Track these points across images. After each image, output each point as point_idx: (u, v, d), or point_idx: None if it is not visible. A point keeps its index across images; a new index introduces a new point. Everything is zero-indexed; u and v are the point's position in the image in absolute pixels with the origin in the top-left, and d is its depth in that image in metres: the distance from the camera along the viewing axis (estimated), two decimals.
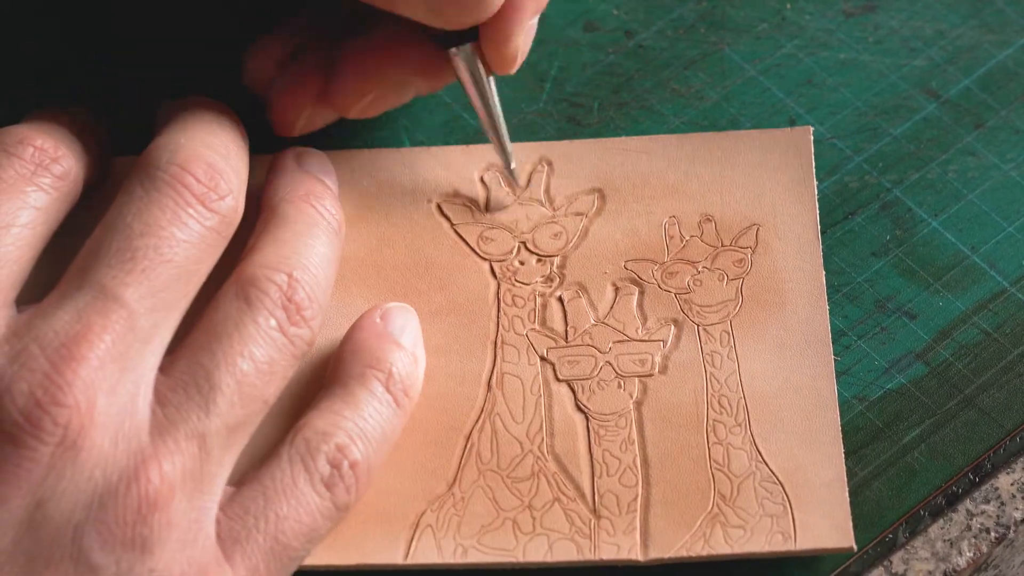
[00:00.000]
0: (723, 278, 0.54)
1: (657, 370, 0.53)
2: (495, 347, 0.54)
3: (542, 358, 0.54)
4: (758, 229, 0.55)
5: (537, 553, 0.50)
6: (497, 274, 0.55)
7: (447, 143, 0.58)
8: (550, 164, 0.57)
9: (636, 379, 0.53)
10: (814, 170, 0.56)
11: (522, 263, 0.55)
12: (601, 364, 0.53)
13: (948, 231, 0.57)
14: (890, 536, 0.52)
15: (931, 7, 0.62)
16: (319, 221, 0.52)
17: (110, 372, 0.47)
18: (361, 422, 0.50)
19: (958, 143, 0.59)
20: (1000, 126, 0.59)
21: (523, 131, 0.59)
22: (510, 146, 0.55)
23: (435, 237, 0.56)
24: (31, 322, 0.47)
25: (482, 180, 0.57)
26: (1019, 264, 0.56)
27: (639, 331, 0.54)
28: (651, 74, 0.60)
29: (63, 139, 0.52)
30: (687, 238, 0.55)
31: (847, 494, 0.50)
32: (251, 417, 0.49)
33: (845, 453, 0.52)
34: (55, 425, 0.46)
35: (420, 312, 0.54)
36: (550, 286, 0.55)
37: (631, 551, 0.50)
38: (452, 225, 0.56)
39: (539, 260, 0.55)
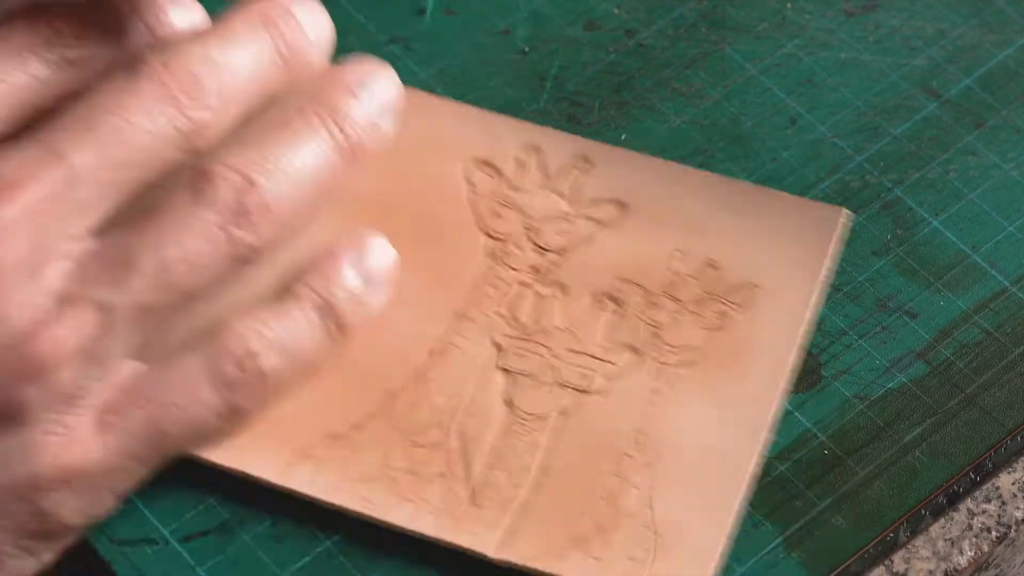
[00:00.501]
0: (699, 324, 0.54)
1: (595, 389, 0.53)
2: (457, 318, 0.54)
3: (494, 342, 0.53)
4: (754, 291, 0.54)
5: (399, 516, 0.50)
6: (492, 251, 0.55)
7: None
8: (586, 161, 0.57)
9: (572, 391, 0.53)
10: (836, 253, 0.54)
11: (519, 248, 0.55)
12: (546, 367, 0.53)
13: (949, 230, 0.57)
14: (891, 535, 0.52)
15: (932, 6, 0.62)
16: (322, 136, 0.50)
17: (33, 225, 0.46)
18: (283, 333, 0.49)
19: (959, 142, 0.59)
20: (1001, 125, 0.59)
21: None
22: None
23: (449, 197, 0.55)
24: None
25: (517, 159, 0.57)
26: (1020, 263, 0.56)
27: (597, 347, 0.53)
28: (652, 73, 0.60)
29: (88, 22, 0.50)
30: (684, 276, 0.54)
31: (713, 565, 0.49)
32: (167, 304, 0.48)
33: (846, 452, 0.52)
34: None
35: (404, 262, 0.53)
36: (534, 278, 0.55)
37: (484, 544, 0.50)
38: (471, 190, 0.56)
39: (536, 250, 0.55)
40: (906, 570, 0.51)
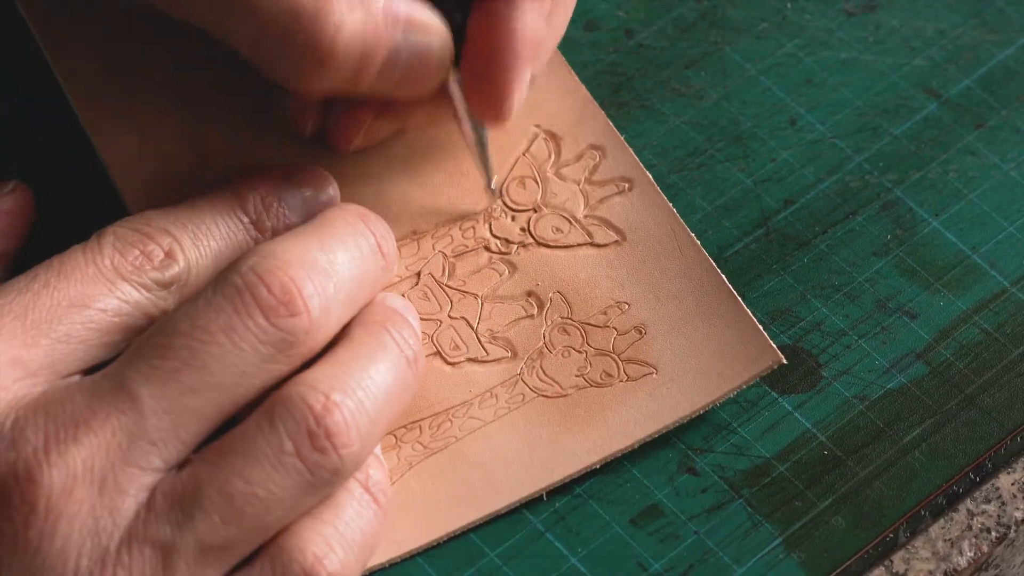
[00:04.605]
0: (581, 372, 0.53)
1: (452, 362, 0.53)
2: (409, 236, 0.54)
3: (418, 273, 0.54)
4: (650, 374, 0.53)
5: None
6: (489, 209, 0.55)
7: None
8: (628, 185, 0.56)
9: (435, 352, 0.53)
10: (742, 384, 0.53)
11: (510, 219, 0.55)
12: (434, 319, 0.53)
13: (949, 231, 0.57)
14: (891, 536, 0.52)
15: (932, 7, 0.62)
16: (389, 347, 0.49)
17: (100, 464, 0.45)
18: (340, 527, 0.47)
19: (959, 143, 0.59)
20: (1001, 126, 0.59)
21: None
22: (491, 167, 0.55)
23: (505, 143, 0.56)
24: (56, 396, 0.46)
25: (580, 152, 0.57)
26: (1020, 264, 0.56)
27: (487, 332, 0.53)
28: (651, 73, 0.60)
29: (184, 235, 0.49)
30: (610, 327, 0.54)
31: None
32: (238, 540, 0.46)
33: (846, 452, 0.52)
34: (22, 502, 0.44)
35: (421, 159, 0.55)
36: (499, 248, 0.55)
37: None
38: (526, 151, 0.56)
39: (522, 230, 0.55)
40: (906, 570, 0.51)
